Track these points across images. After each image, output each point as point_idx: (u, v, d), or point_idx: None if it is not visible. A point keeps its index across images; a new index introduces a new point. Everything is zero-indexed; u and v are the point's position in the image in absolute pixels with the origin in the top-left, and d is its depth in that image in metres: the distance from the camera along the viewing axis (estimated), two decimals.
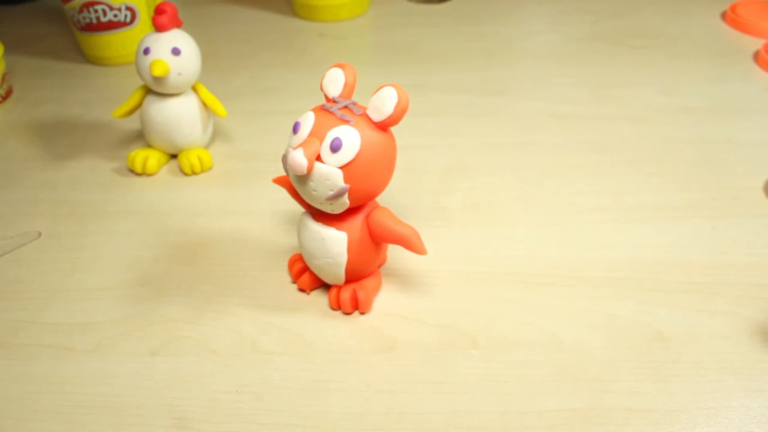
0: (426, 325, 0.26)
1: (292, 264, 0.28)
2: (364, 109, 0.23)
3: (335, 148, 0.22)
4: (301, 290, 0.28)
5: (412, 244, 0.25)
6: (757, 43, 0.46)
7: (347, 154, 0.22)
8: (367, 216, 0.25)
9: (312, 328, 0.26)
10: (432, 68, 0.45)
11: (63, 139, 0.39)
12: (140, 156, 0.35)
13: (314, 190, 0.23)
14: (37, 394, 0.24)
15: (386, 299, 0.27)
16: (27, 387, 0.24)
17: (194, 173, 0.35)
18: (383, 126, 0.23)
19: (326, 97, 0.24)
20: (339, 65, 0.24)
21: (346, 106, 0.23)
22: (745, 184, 0.33)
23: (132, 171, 0.36)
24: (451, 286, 0.28)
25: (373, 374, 0.24)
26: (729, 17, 0.49)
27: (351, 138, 0.22)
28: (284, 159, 0.24)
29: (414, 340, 0.26)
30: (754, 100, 0.40)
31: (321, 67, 0.27)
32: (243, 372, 0.25)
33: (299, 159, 0.22)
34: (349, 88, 0.24)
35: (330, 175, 0.23)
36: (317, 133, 0.23)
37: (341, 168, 0.22)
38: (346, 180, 0.23)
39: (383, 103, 0.23)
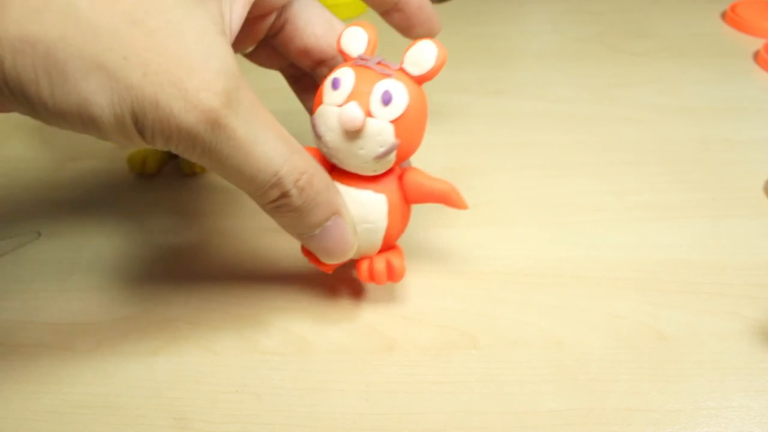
0: (426, 325, 0.26)
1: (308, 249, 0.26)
2: (400, 63, 0.23)
3: (386, 101, 0.22)
4: (323, 271, 0.26)
5: (452, 199, 0.24)
6: (757, 43, 0.46)
7: (398, 107, 0.22)
8: (400, 177, 0.24)
9: (312, 328, 0.26)
10: None
11: (63, 139, 0.39)
12: (140, 156, 0.35)
13: (362, 149, 0.22)
14: (37, 394, 0.24)
15: (386, 299, 0.27)
16: (27, 387, 0.24)
17: (194, 173, 0.35)
18: (420, 81, 0.23)
19: (346, 56, 0.23)
20: (357, 23, 0.23)
21: (380, 62, 0.23)
22: (745, 184, 0.33)
23: (132, 171, 0.36)
24: (451, 286, 0.28)
25: (373, 374, 0.24)
26: (729, 17, 0.49)
27: (400, 91, 0.22)
28: (315, 121, 0.23)
29: (414, 340, 0.26)
30: (754, 100, 0.40)
31: None
32: (243, 372, 0.25)
33: (355, 112, 0.21)
34: (372, 46, 0.23)
35: (382, 130, 0.22)
36: (361, 88, 0.22)
37: (392, 122, 0.22)
38: (396, 135, 0.22)
39: (423, 56, 0.22)
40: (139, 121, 0.18)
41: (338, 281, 0.28)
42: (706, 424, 0.22)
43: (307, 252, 0.26)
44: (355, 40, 0.23)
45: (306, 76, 0.29)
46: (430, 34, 0.26)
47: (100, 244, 0.31)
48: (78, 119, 0.18)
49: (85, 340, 0.26)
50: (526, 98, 0.41)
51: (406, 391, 0.24)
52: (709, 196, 0.32)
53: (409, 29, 0.26)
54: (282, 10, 0.25)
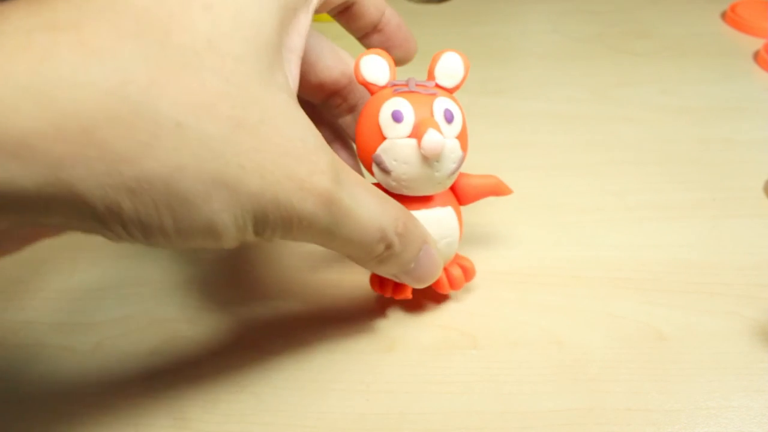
0: (426, 325, 0.26)
1: (381, 284, 0.26)
2: (430, 80, 0.23)
3: (449, 119, 0.22)
4: (401, 299, 0.26)
5: (501, 189, 0.26)
6: (757, 43, 0.46)
7: (458, 122, 0.23)
8: (452, 185, 0.25)
9: (312, 328, 0.26)
10: None
11: None
12: None
13: (438, 171, 0.22)
14: (37, 394, 0.24)
15: (386, 299, 0.27)
16: (27, 387, 0.24)
17: None
18: (452, 92, 0.23)
19: (371, 86, 0.23)
20: (372, 52, 0.23)
21: (417, 83, 0.23)
22: (745, 184, 0.33)
23: None
24: None
25: (373, 374, 0.24)
26: (729, 17, 0.49)
27: (454, 106, 0.23)
28: (381, 158, 0.22)
29: (414, 340, 0.26)
30: (754, 100, 0.40)
31: None
32: (243, 372, 0.25)
33: (438, 139, 0.21)
34: (394, 70, 0.23)
35: (454, 147, 0.22)
36: (422, 114, 0.22)
37: (456, 138, 0.23)
38: (461, 148, 0.23)
39: (452, 68, 0.23)
40: (259, 224, 0.18)
41: (338, 281, 0.28)
42: (706, 424, 0.22)
43: (379, 287, 0.26)
44: (378, 68, 0.23)
45: (310, 113, 0.28)
46: (407, 56, 0.27)
47: (100, 244, 0.31)
48: (199, 240, 0.17)
49: (85, 340, 0.26)
50: (526, 98, 0.41)
51: (406, 391, 0.24)
52: (709, 196, 0.32)
53: (388, 51, 0.26)
54: None
